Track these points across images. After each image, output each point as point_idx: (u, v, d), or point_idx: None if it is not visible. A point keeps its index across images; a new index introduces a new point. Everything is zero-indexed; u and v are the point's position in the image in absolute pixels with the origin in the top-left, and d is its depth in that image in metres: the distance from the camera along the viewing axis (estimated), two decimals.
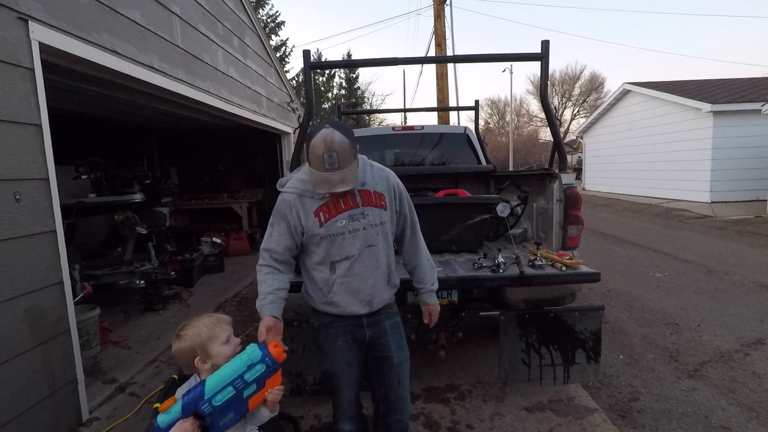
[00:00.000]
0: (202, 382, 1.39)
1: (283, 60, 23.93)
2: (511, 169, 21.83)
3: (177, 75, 3.95)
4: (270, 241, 1.71)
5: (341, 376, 1.77)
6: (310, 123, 2.73)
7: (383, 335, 1.76)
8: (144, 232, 4.82)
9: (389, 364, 1.77)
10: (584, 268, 2.42)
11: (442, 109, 10.27)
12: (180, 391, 1.46)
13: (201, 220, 8.16)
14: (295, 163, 3.04)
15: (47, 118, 2.43)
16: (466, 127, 4.99)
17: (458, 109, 9.65)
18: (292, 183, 1.70)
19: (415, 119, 35.18)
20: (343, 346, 1.75)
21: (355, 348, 1.78)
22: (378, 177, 1.73)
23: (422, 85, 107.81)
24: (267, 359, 1.41)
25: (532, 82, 41.33)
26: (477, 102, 5.42)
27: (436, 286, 1.91)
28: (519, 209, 3.42)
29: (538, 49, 2.64)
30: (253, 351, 1.41)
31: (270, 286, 1.66)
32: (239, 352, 1.48)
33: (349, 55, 29.86)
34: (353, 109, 26.69)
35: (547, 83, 2.78)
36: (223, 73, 5.04)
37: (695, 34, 68.99)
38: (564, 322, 2.44)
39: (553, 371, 2.48)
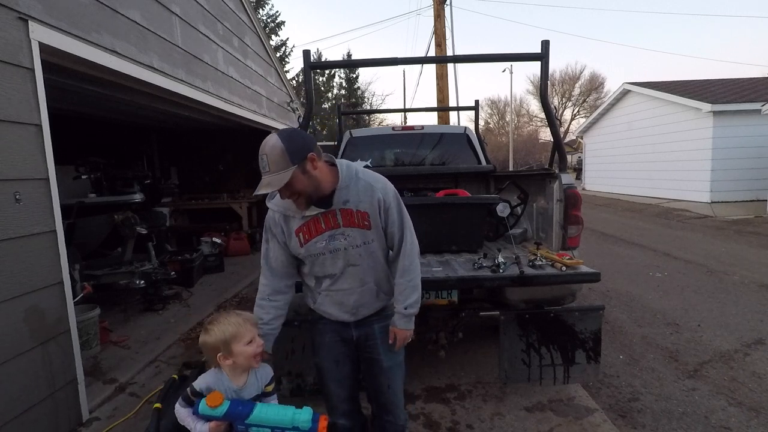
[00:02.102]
0: (253, 405, 1.44)
1: (283, 60, 23.94)
2: (511, 169, 21.84)
3: (177, 75, 3.95)
4: (268, 259, 1.75)
5: (328, 371, 1.82)
6: (310, 123, 2.74)
7: (371, 338, 1.76)
8: (144, 232, 4.82)
9: (378, 366, 1.77)
10: (584, 268, 2.42)
11: (442, 109, 10.27)
12: (204, 380, 1.49)
13: (201, 220, 8.16)
14: None
15: (47, 118, 2.43)
16: (466, 127, 4.99)
17: (458, 109, 9.66)
18: (276, 200, 1.67)
19: (415, 119, 35.19)
20: (331, 342, 1.79)
21: (343, 346, 1.80)
22: (363, 194, 1.61)
23: (422, 85, 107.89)
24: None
25: (532, 82, 41.37)
26: (477, 102, 5.43)
27: (411, 310, 1.70)
28: (519, 209, 3.42)
29: (538, 49, 2.64)
30: (306, 421, 1.41)
31: (266, 315, 1.72)
32: (263, 358, 1.56)
33: (349, 55, 29.87)
34: (353, 109, 26.71)
35: (547, 83, 2.79)
36: (223, 73, 5.04)
37: (695, 34, 69.05)
38: (564, 322, 2.44)
39: (553, 371, 2.48)
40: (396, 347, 1.74)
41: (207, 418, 1.41)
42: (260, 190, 1.48)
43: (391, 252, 1.75)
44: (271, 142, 1.46)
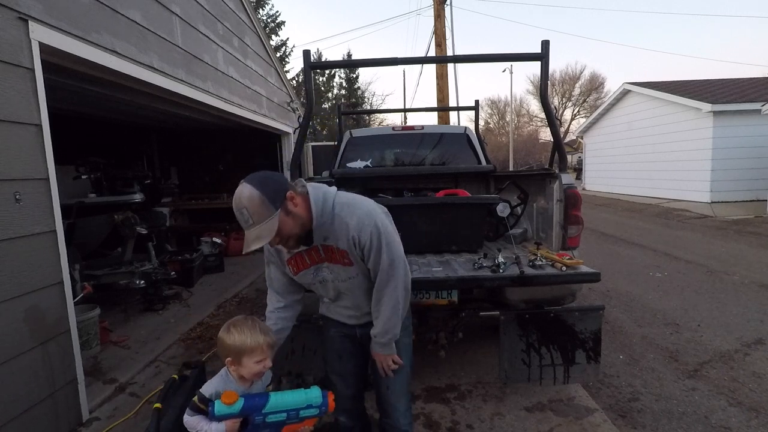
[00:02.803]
0: (268, 396, 1.49)
1: (283, 60, 23.94)
2: (511, 169, 21.83)
3: (177, 75, 3.95)
4: (271, 280, 1.79)
5: (331, 364, 1.87)
6: (310, 123, 2.73)
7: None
8: (144, 232, 4.82)
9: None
10: (584, 268, 2.41)
11: (442, 109, 10.27)
12: (212, 386, 1.51)
13: (201, 220, 8.16)
14: (295, 163, 3.04)
15: (47, 118, 2.43)
16: (466, 127, 4.99)
17: (458, 109, 9.66)
18: None
19: (415, 119, 35.20)
20: (335, 336, 1.83)
21: (347, 342, 1.82)
22: (339, 232, 1.53)
23: (422, 85, 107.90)
24: (323, 407, 1.53)
25: (532, 82, 41.38)
26: (477, 102, 5.42)
27: (381, 339, 1.65)
28: (519, 209, 3.42)
29: (538, 49, 2.64)
30: (316, 396, 1.53)
31: (273, 326, 1.73)
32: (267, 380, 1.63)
33: (349, 55, 29.85)
34: (353, 109, 26.70)
35: (547, 83, 2.78)
36: (223, 73, 5.04)
37: (695, 34, 69.02)
38: (564, 322, 2.44)
39: (553, 371, 2.48)
40: (382, 372, 1.73)
41: (222, 418, 1.42)
42: (251, 247, 1.40)
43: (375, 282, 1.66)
44: (246, 193, 1.37)
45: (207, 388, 1.49)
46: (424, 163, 4.70)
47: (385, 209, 1.68)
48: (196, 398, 1.47)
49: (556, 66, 40.35)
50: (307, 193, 1.51)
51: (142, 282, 4.43)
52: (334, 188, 1.60)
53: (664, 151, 13.26)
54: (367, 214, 1.52)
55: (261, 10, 23.60)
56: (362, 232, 1.50)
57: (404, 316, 1.67)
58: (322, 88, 30.34)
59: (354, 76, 31.13)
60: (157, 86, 3.67)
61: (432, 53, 10.66)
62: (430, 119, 19.92)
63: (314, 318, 2.05)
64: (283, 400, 1.49)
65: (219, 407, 1.41)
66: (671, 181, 12.98)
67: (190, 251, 5.88)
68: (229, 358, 1.50)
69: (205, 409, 1.44)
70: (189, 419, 1.45)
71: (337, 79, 31.29)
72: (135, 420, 2.66)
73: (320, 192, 1.53)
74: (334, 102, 29.87)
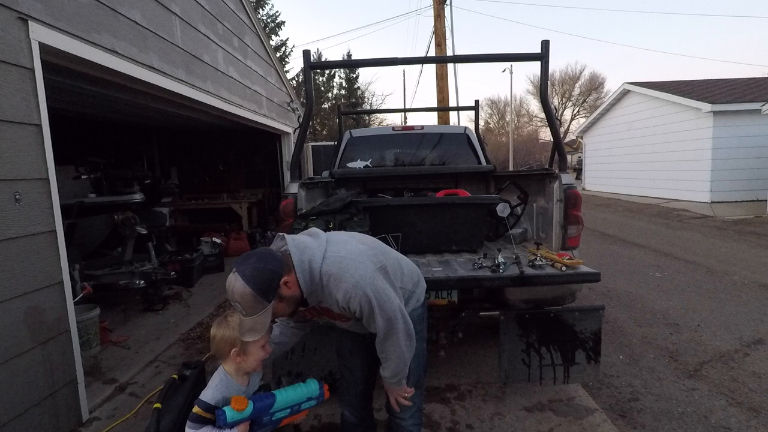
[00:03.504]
0: (273, 395, 1.51)
1: (283, 60, 23.93)
2: (511, 169, 21.83)
3: (177, 75, 3.95)
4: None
5: (343, 357, 1.93)
6: (310, 123, 2.73)
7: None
8: (144, 232, 4.82)
9: None
10: (584, 268, 2.41)
11: (442, 109, 10.27)
12: (216, 392, 1.47)
13: (201, 220, 8.16)
14: (295, 163, 3.05)
15: (47, 118, 2.43)
16: (466, 127, 4.99)
17: (458, 109, 9.66)
18: None
19: (415, 119, 35.21)
20: (345, 333, 1.86)
21: (357, 338, 1.84)
22: (330, 300, 1.53)
23: (422, 85, 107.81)
24: (320, 398, 1.63)
25: (532, 82, 41.39)
26: (477, 102, 5.43)
27: (395, 380, 1.66)
28: (519, 209, 3.42)
29: (538, 50, 2.64)
30: (315, 389, 1.62)
31: (276, 329, 1.77)
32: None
33: (349, 55, 29.86)
34: (353, 109, 26.70)
35: (547, 83, 2.79)
36: (223, 73, 5.04)
37: (695, 34, 69.05)
38: (564, 322, 2.44)
39: (553, 371, 2.48)
40: (395, 407, 1.76)
41: (235, 423, 1.41)
42: (246, 337, 1.40)
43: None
44: (239, 289, 1.35)
45: (210, 395, 1.45)
46: (424, 163, 4.70)
47: (380, 260, 1.58)
48: (198, 408, 1.41)
49: (556, 66, 40.42)
50: (293, 267, 1.46)
51: (142, 282, 4.43)
52: (321, 251, 1.52)
53: (664, 151, 13.26)
54: (354, 286, 1.46)
55: (261, 10, 23.60)
56: (351, 302, 1.49)
57: (411, 358, 1.68)
58: (322, 88, 30.34)
59: (354, 76, 31.13)
60: (157, 86, 3.66)
61: (432, 53, 10.66)
62: (430, 119, 19.93)
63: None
64: (288, 396, 1.54)
65: (231, 414, 1.39)
66: (671, 181, 12.98)
67: (190, 251, 5.88)
68: (235, 350, 1.46)
69: (211, 417, 1.40)
70: None
71: (337, 79, 31.32)
72: (135, 420, 2.66)
73: (306, 263, 1.48)
74: (334, 102, 29.88)
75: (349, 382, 1.91)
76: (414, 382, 1.81)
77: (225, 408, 1.40)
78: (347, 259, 1.51)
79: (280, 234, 1.59)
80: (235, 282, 1.36)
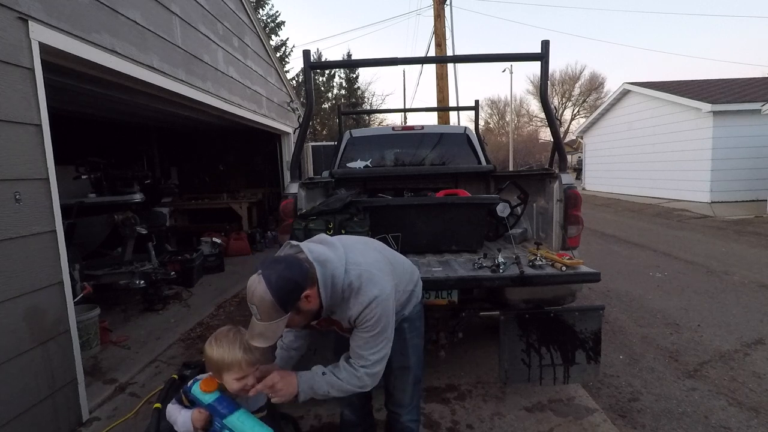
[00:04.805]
0: (237, 409, 1.43)
1: (283, 60, 23.93)
2: (511, 169, 21.83)
3: (177, 75, 3.95)
4: None
5: (340, 354, 1.88)
6: (310, 123, 2.73)
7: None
8: (144, 232, 4.82)
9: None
10: (584, 268, 2.42)
11: (442, 109, 10.28)
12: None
13: (201, 220, 8.16)
14: (295, 163, 3.04)
15: (47, 118, 2.43)
16: (466, 127, 4.99)
17: (458, 109, 9.67)
18: None
19: (415, 119, 35.20)
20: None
21: None
22: (343, 314, 1.52)
23: (422, 85, 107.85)
24: None
25: (532, 82, 41.39)
26: (477, 102, 5.43)
27: (321, 389, 1.54)
28: (519, 209, 3.42)
29: (538, 50, 2.64)
30: None
31: (288, 336, 1.79)
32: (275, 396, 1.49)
33: (349, 55, 29.85)
34: (353, 109, 26.70)
35: (547, 83, 2.79)
36: (223, 73, 5.04)
37: (695, 34, 69.03)
38: (564, 322, 2.44)
39: (553, 371, 2.48)
40: (253, 388, 1.53)
41: (192, 404, 1.44)
42: (254, 342, 1.37)
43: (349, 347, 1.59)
44: (259, 293, 1.32)
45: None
46: (424, 163, 4.70)
47: (394, 278, 1.58)
48: (183, 394, 1.49)
49: (556, 66, 40.40)
50: (316, 280, 1.42)
51: (142, 282, 4.43)
52: (342, 263, 1.48)
53: (664, 151, 13.26)
54: (374, 299, 1.46)
55: (261, 10, 23.59)
56: (362, 315, 1.48)
57: (416, 363, 1.69)
58: (322, 88, 30.34)
59: (354, 76, 31.13)
60: (157, 86, 3.66)
61: (432, 53, 10.66)
62: (430, 119, 19.93)
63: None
64: (244, 425, 1.41)
65: (195, 389, 1.44)
66: (671, 181, 12.98)
67: (190, 251, 5.88)
68: (210, 372, 1.47)
69: (186, 404, 1.47)
70: (171, 407, 1.48)
71: (337, 79, 31.32)
72: (135, 420, 2.66)
73: (328, 276, 1.44)
74: (334, 102, 29.87)
75: None
76: (413, 378, 1.82)
77: (195, 382, 1.45)
78: (368, 272, 1.50)
79: (293, 243, 1.54)
80: (258, 285, 1.33)
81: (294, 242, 1.54)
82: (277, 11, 26.82)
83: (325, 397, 1.54)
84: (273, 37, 23.98)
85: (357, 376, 1.51)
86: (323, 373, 1.53)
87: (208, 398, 1.42)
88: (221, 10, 5.10)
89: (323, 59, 24.40)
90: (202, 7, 4.57)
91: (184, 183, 8.51)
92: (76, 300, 2.83)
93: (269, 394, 1.48)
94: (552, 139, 3.09)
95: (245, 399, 1.51)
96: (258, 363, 1.47)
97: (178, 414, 1.45)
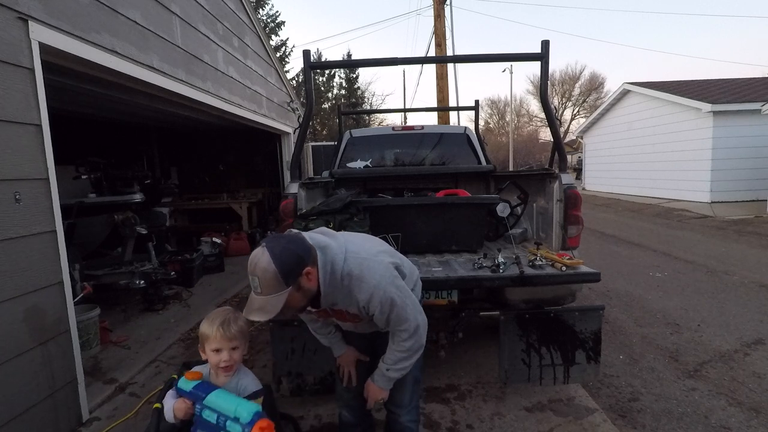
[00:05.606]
0: (213, 389, 1.51)
1: (283, 60, 23.94)
2: (511, 169, 21.82)
3: (177, 75, 3.95)
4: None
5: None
6: (310, 123, 2.73)
7: (384, 335, 1.77)
8: (144, 232, 4.82)
9: None
10: (584, 268, 2.42)
11: (442, 109, 10.28)
12: (199, 367, 1.66)
13: (201, 220, 8.16)
14: (295, 163, 3.04)
15: (47, 118, 2.43)
16: (466, 127, 4.99)
17: (458, 109, 9.67)
18: None
19: (415, 119, 35.22)
20: (346, 332, 1.88)
21: (356, 338, 1.86)
22: (348, 301, 1.53)
23: (422, 85, 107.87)
24: (246, 429, 1.38)
25: (532, 82, 41.39)
26: (477, 102, 5.43)
27: (392, 374, 1.66)
28: (519, 209, 3.42)
29: (538, 50, 2.64)
30: (247, 413, 1.39)
31: (326, 331, 1.84)
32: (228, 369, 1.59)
33: (349, 55, 29.85)
34: (353, 109, 26.70)
35: (547, 83, 2.79)
36: (223, 73, 5.04)
37: (695, 34, 69.04)
38: (564, 322, 2.44)
39: (553, 371, 2.48)
40: (367, 404, 1.76)
41: (180, 392, 1.53)
42: (251, 316, 1.36)
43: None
44: (263, 264, 1.32)
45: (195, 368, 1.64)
46: (424, 163, 4.70)
47: (395, 260, 1.62)
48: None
49: (556, 66, 40.42)
50: (317, 262, 1.44)
51: (142, 282, 4.43)
52: (342, 251, 1.50)
53: (664, 151, 13.26)
54: (376, 287, 1.47)
55: (261, 10, 23.60)
56: (371, 302, 1.48)
57: (414, 363, 1.69)
58: (322, 88, 30.34)
59: (354, 76, 31.13)
60: (157, 86, 3.66)
61: (432, 53, 10.66)
62: (430, 119, 19.93)
63: None
64: (219, 399, 1.45)
65: (181, 381, 1.54)
66: (671, 181, 12.98)
67: (190, 251, 5.88)
68: (200, 345, 1.61)
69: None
70: (164, 401, 1.59)
71: (337, 79, 31.32)
72: (135, 420, 2.65)
73: (328, 262, 1.46)
74: (334, 102, 29.87)
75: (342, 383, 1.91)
76: (412, 378, 1.82)
77: (183, 376, 1.56)
78: (368, 260, 1.51)
79: (295, 231, 1.55)
80: (261, 256, 1.33)
81: (297, 231, 1.57)
82: (277, 11, 26.85)
83: (407, 370, 1.67)
84: (273, 37, 23.99)
85: (406, 347, 1.58)
86: (387, 369, 1.65)
87: (190, 385, 1.51)
88: (221, 10, 5.10)
89: (323, 59, 24.40)
90: (202, 7, 4.57)
91: (184, 183, 8.51)
92: (76, 300, 2.83)
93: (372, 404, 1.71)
94: (552, 139, 3.09)
95: (236, 388, 1.59)
96: (234, 339, 1.54)
97: (168, 402, 1.56)
